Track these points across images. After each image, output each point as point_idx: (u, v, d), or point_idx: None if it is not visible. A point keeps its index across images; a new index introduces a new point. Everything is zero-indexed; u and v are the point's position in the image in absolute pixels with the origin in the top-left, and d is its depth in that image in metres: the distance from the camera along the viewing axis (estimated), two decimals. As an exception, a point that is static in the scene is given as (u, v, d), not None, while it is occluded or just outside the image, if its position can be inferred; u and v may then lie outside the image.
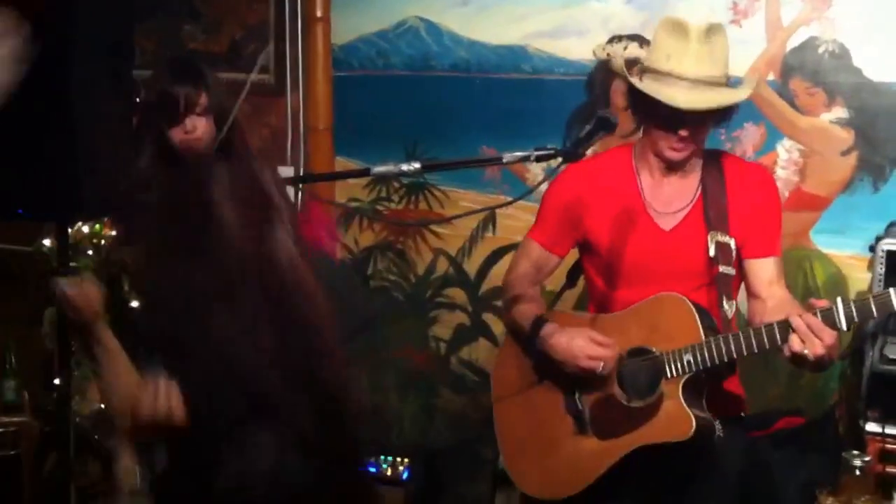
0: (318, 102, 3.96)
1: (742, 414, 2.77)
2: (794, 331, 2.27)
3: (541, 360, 2.67)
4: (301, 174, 3.98)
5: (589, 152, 2.37)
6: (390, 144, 3.81)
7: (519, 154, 2.17)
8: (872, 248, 2.98)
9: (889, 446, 2.88)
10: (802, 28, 3.33)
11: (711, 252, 2.56)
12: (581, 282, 2.94)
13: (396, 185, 3.94)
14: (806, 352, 2.26)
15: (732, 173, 2.64)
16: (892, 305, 2.24)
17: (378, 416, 4.08)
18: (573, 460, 2.64)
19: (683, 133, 2.50)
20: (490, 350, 3.88)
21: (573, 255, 2.88)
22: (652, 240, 2.62)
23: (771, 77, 3.38)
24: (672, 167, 2.61)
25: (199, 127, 2.67)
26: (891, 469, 2.93)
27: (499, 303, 3.84)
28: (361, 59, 3.91)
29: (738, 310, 2.60)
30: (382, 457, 3.66)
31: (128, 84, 2.31)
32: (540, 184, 2.46)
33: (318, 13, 3.91)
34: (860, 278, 3.30)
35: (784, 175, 3.40)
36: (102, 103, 2.07)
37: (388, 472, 3.63)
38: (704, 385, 2.53)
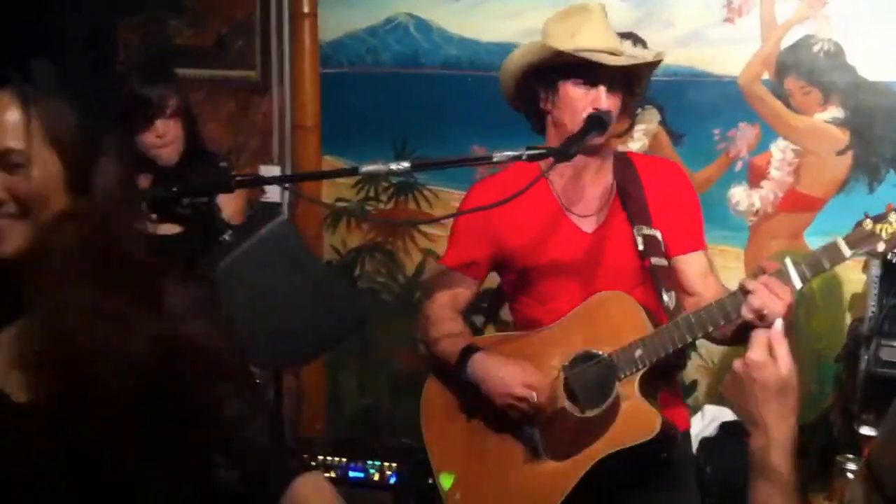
0: (306, 100, 3.92)
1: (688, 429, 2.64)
2: (750, 292, 2.17)
3: (473, 392, 2.49)
4: (287, 173, 3.94)
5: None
6: (379, 143, 3.77)
7: (510, 153, 2.12)
8: (868, 250, 2.95)
9: (884, 451, 2.84)
10: (797, 26, 3.31)
11: (640, 246, 2.44)
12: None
13: (385, 184, 3.91)
14: (765, 311, 2.15)
15: (644, 170, 2.53)
16: (842, 254, 2.16)
17: (367, 419, 4.05)
18: (530, 490, 2.47)
19: (605, 104, 2.35)
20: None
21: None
22: (576, 244, 2.48)
23: (766, 76, 3.35)
24: (584, 165, 2.46)
25: (169, 131, 2.60)
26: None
27: (485, 305, 3.82)
28: (350, 56, 3.87)
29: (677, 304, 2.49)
30: (370, 461, 3.62)
31: (111, 76, 2.26)
32: (531, 184, 2.41)
33: (306, 8, 3.87)
34: (855, 280, 3.28)
35: (778, 176, 3.38)
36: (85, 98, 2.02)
37: (376, 477, 3.59)
38: (660, 383, 2.41)
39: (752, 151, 3.41)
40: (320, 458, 3.64)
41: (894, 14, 3.21)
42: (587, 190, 2.51)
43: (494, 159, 2.13)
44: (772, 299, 2.16)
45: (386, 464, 3.60)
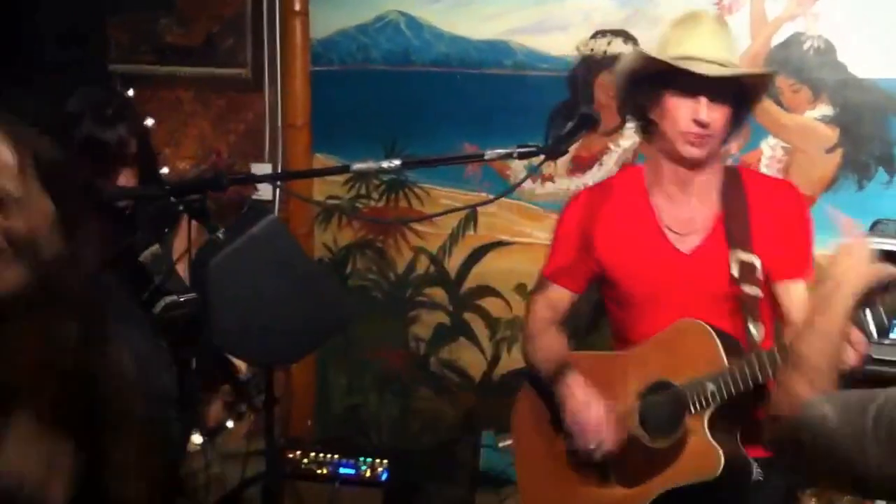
0: (296, 98, 3.91)
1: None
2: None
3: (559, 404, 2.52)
4: (279, 171, 3.94)
5: (571, 150, 2.33)
6: (370, 141, 3.76)
7: (501, 151, 2.12)
8: (857, 247, 2.95)
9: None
10: (787, 24, 3.31)
11: (734, 272, 2.36)
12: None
13: (376, 182, 3.90)
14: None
15: (754, 188, 2.43)
16: None
17: (355, 417, 4.05)
18: None
19: (703, 116, 2.29)
20: (470, 349, 3.85)
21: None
22: (671, 264, 2.42)
23: (755, 74, 3.35)
24: (687, 179, 2.41)
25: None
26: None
27: (479, 302, 3.83)
28: (340, 54, 3.87)
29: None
30: (361, 458, 3.62)
31: (100, 75, 2.23)
32: (522, 181, 2.41)
33: (297, 6, 3.86)
34: (844, 277, 3.27)
35: (768, 173, 3.38)
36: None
37: (367, 474, 3.59)
38: (738, 419, 2.32)
39: (741, 149, 3.40)
40: (312, 454, 3.64)
41: (884, 11, 3.21)
42: (689, 207, 2.44)
43: (486, 157, 2.12)
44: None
45: (377, 461, 3.60)
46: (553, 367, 2.53)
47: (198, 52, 3.99)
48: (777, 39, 3.32)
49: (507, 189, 2.84)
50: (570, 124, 2.22)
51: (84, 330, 1.51)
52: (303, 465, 3.62)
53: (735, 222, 2.39)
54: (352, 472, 3.60)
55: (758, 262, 2.37)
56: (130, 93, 3.74)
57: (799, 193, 2.51)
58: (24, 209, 1.47)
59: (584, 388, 2.47)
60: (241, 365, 3.66)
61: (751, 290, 2.37)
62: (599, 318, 2.83)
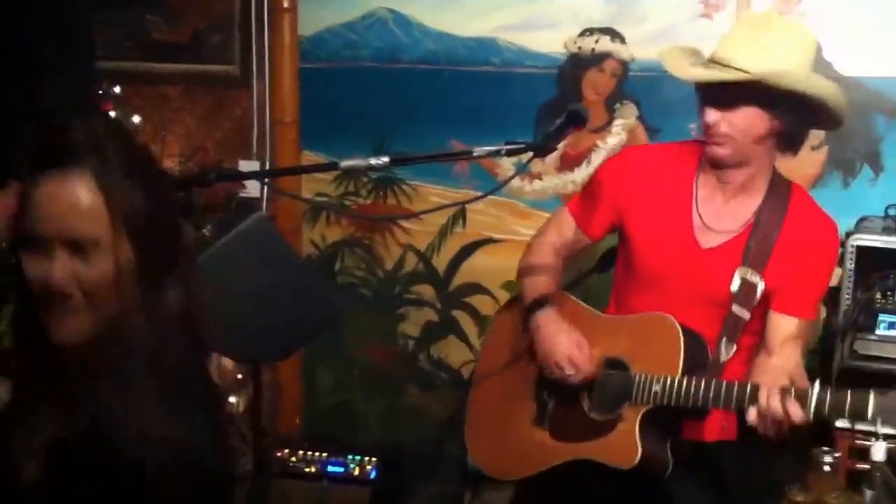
0: (285, 95, 3.90)
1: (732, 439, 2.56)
2: (759, 411, 2.17)
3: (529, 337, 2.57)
4: (266, 168, 3.93)
5: (559, 147, 2.33)
6: (358, 138, 3.76)
7: (489, 148, 2.12)
8: (842, 244, 2.97)
9: (859, 442, 2.87)
10: (774, 22, 3.32)
11: (734, 288, 2.38)
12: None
13: (364, 179, 3.90)
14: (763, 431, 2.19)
15: (796, 212, 2.40)
16: (867, 409, 2.11)
17: (343, 414, 4.05)
18: (522, 447, 2.57)
19: (709, 117, 2.31)
20: (459, 347, 3.85)
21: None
22: (686, 254, 2.43)
23: (742, 71, 3.36)
24: (722, 178, 2.41)
25: None
26: (860, 465, 2.93)
27: (468, 299, 3.83)
28: (329, 51, 3.86)
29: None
30: (350, 456, 3.62)
31: (88, 72, 2.21)
32: (510, 178, 2.41)
33: (285, 3, 3.85)
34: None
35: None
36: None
37: (356, 472, 3.59)
38: (673, 422, 2.40)
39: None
40: (300, 452, 3.64)
41: (870, 10, 3.23)
42: (727, 207, 2.44)
43: (474, 154, 2.13)
44: (766, 423, 2.17)
45: (366, 458, 3.60)
46: (535, 297, 2.55)
47: (185, 48, 3.97)
48: (764, 37, 3.33)
49: (496, 186, 2.83)
50: (558, 121, 2.22)
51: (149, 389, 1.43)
52: (291, 464, 3.62)
53: (760, 239, 2.38)
54: (340, 470, 3.60)
55: (760, 287, 2.38)
56: (117, 89, 3.73)
57: (836, 236, 2.45)
58: (102, 255, 1.41)
59: (558, 319, 2.50)
60: (227, 364, 3.66)
61: (740, 310, 2.39)
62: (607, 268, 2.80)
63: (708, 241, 2.43)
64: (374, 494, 3.55)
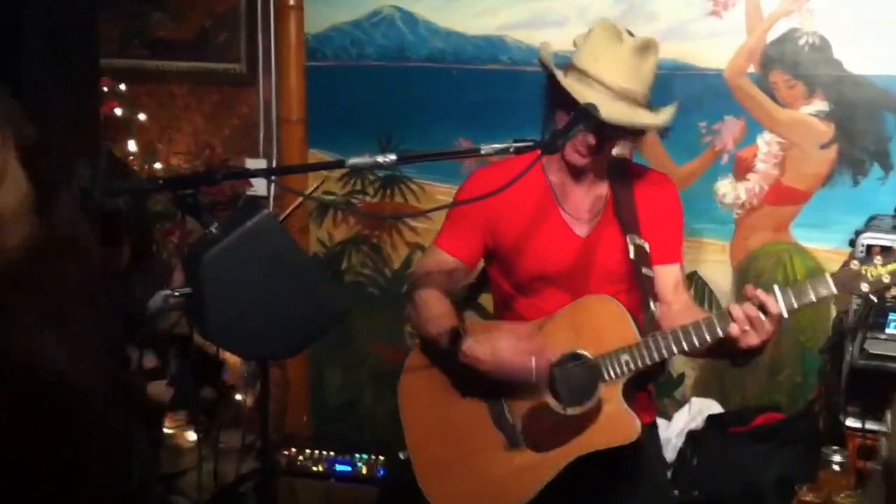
0: (291, 93, 3.90)
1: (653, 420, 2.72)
2: (733, 320, 2.27)
3: (460, 371, 2.49)
4: (273, 166, 3.93)
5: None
6: (364, 136, 3.76)
7: (497, 146, 2.11)
8: (852, 243, 2.96)
9: (869, 442, 2.86)
10: (783, 20, 3.31)
11: (632, 255, 2.51)
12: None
13: (371, 177, 3.90)
14: (745, 342, 2.27)
15: (638, 179, 2.61)
16: (830, 289, 2.25)
17: (350, 412, 4.05)
18: (506, 476, 2.49)
19: (592, 140, 2.41)
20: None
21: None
22: (569, 246, 2.55)
23: (751, 69, 3.36)
24: (576, 172, 2.54)
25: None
26: (870, 465, 2.92)
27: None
28: (335, 49, 3.86)
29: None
30: (357, 455, 3.61)
31: (92, 70, 2.20)
32: (518, 177, 2.40)
33: (292, 1, 3.85)
34: (840, 273, 3.28)
35: (764, 168, 3.39)
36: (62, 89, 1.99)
37: (364, 471, 3.59)
38: (638, 388, 2.48)
39: (737, 144, 3.41)
40: (307, 451, 3.63)
41: (879, 8, 3.22)
42: (583, 193, 2.57)
43: (482, 152, 2.12)
44: (752, 332, 2.27)
45: (373, 457, 3.60)
46: (447, 332, 2.48)
47: (191, 46, 3.97)
48: (772, 35, 3.33)
49: (504, 185, 2.83)
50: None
51: (41, 318, 1.44)
52: (298, 462, 3.61)
53: (625, 210, 2.55)
54: (347, 468, 3.60)
55: (647, 246, 2.54)
56: (123, 87, 3.73)
57: (674, 186, 2.67)
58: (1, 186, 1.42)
59: (482, 339, 2.43)
60: (234, 360, 3.66)
61: (647, 271, 2.53)
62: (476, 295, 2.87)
63: (582, 228, 2.56)
64: (381, 493, 3.54)
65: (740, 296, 2.35)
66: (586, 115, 2.24)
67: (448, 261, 2.62)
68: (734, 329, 2.27)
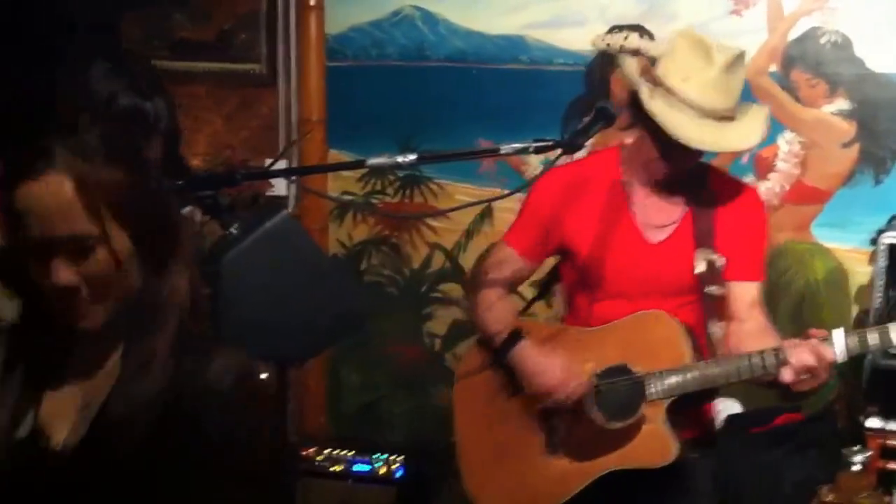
0: (311, 93, 3.90)
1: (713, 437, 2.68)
2: (788, 364, 2.22)
3: (512, 372, 2.55)
4: (293, 167, 3.93)
5: (588, 144, 2.33)
6: (384, 137, 3.76)
7: (517, 145, 2.11)
8: (874, 242, 2.96)
9: (889, 442, 2.86)
10: (804, 18, 3.30)
11: (699, 269, 2.45)
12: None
13: (391, 177, 3.90)
14: (797, 386, 2.25)
15: (721, 190, 2.52)
16: (892, 342, 2.21)
17: (370, 413, 4.05)
18: (541, 480, 2.53)
19: (678, 160, 2.38)
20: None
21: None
22: (639, 252, 2.48)
23: (772, 68, 3.35)
24: (659, 179, 2.49)
25: (158, 149, 2.47)
26: (891, 465, 2.91)
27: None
28: (355, 50, 3.86)
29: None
30: (376, 455, 3.62)
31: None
32: (538, 176, 2.41)
33: (312, 1, 3.85)
34: (861, 272, 3.27)
35: (785, 168, 3.37)
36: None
37: (382, 471, 3.59)
38: (686, 409, 2.44)
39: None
40: (326, 451, 3.64)
41: (902, 6, 3.21)
42: (659, 199, 2.50)
43: (501, 152, 2.12)
44: (807, 380, 2.23)
45: (392, 457, 3.60)
46: (502, 333, 2.53)
47: (211, 47, 3.98)
48: (794, 34, 3.32)
49: (523, 184, 2.83)
50: (586, 119, 2.23)
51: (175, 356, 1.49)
52: (317, 463, 3.62)
53: (702, 221, 2.47)
54: (366, 469, 3.60)
55: (720, 262, 2.45)
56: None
57: (761, 200, 2.59)
58: (99, 247, 1.42)
59: (534, 352, 2.49)
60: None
61: (713, 289, 2.46)
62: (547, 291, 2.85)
63: (656, 236, 2.49)
64: (399, 493, 3.55)
65: (802, 335, 2.28)
66: (607, 114, 2.23)
67: (513, 258, 2.62)
68: (787, 375, 2.23)
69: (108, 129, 1.51)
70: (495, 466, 2.61)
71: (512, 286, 2.66)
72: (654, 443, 2.37)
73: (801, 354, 2.21)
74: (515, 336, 2.51)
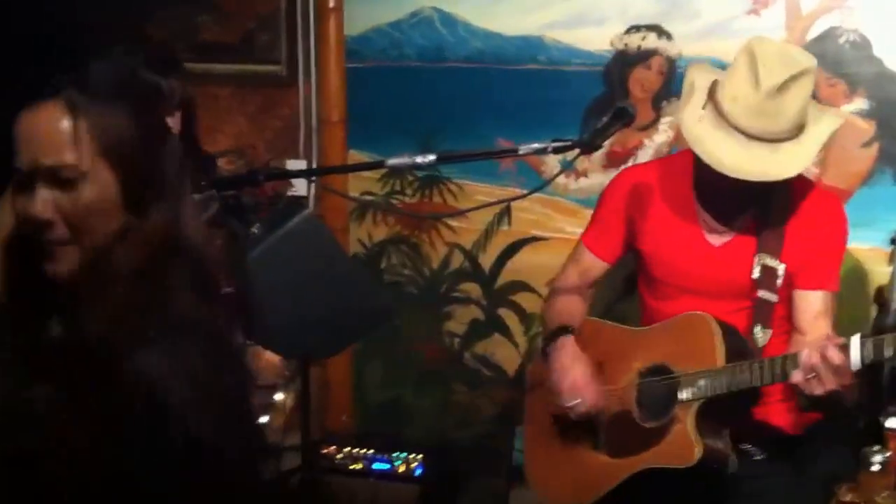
0: (331, 94, 3.93)
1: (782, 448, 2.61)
2: (805, 368, 2.21)
3: None
4: (313, 167, 3.96)
5: (606, 144, 2.34)
6: (404, 137, 3.78)
7: (536, 145, 2.13)
8: (894, 241, 2.94)
9: (910, 442, 2.84)
10: (822, 18, 3.29)
11: (755, 275, 2.45)
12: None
13: (410, 178, 3.92)
14: (812, 391, 2.22)
15: (799, 195, 2.48)
16: None
17: (391, 411, 4.07)
18: (584, 474, 2.61)
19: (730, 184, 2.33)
20: (505, 345, 3.85)
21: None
22: (699, 254, 2.52)
23: (791, 68, 3.33)
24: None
25: (174, 126, 2.49)
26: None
27: (513, 297, 3.83)
28: (375, 51, 3.88)
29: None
30: (396, 453, 3.64)
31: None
32: (556, 176, 2.42)
33: (332, 3, 3.87)
34: (881, 272, 3.25)
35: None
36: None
37: (402, 469, 3.61)
38: (729, 414, 2.43)
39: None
40: (346, 449, 3.66)
41: (921, 5, 3.20)
42: (729, 201, 2.49)
43: (520, 152, 2.14)
44: (815, 382, 2.20)
45: (412, 456, 3.62)
46: (553, 330, 2.61)
47: (234, 48, 4.01)
48: (812, 34, 3.31)
49: (542, 184, 2.85)
50: (604, 119, 2.24)
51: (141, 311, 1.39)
52: (337, 460, 3.64)
53: (771, 226, 2.45)
54: (387, 467, 3.62)
55: (781, 269, 2.44)
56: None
57: (841, 208, 2.57)
58: (84, 184, 1.40)
59: (572, 349, 2.55)
60: (275, 359, 3.69)
61: (766, 295, 2.45)
62: (630, 291, 2.90)
63: (718, 238, 2.51)
64: (420, 491, 3.56)
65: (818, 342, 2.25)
66: (625, 114, 2.24)
67: (589, 260, 2.69)
68: (797, 376, 2.22)
69: (121, 72, 1.51)
70: (551, 453, 2.71)
71: (585, 283, 2.74)
72: (678, 444, 2.40)
73: (808, 355, 2.20)
74: (561, 330, 2.59)
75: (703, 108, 2.36)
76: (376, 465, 3.62)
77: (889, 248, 3.05)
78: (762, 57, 2.29)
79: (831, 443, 3.07)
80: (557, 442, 2.69)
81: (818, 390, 2.20)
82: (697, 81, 2.44)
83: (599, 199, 2.71)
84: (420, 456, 3.62)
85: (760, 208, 2.47)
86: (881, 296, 3.02)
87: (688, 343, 2.44)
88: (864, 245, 3.31)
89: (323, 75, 3.93)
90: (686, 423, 2.39)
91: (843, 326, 3.35)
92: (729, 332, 2.42)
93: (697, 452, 2.36)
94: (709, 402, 2.37)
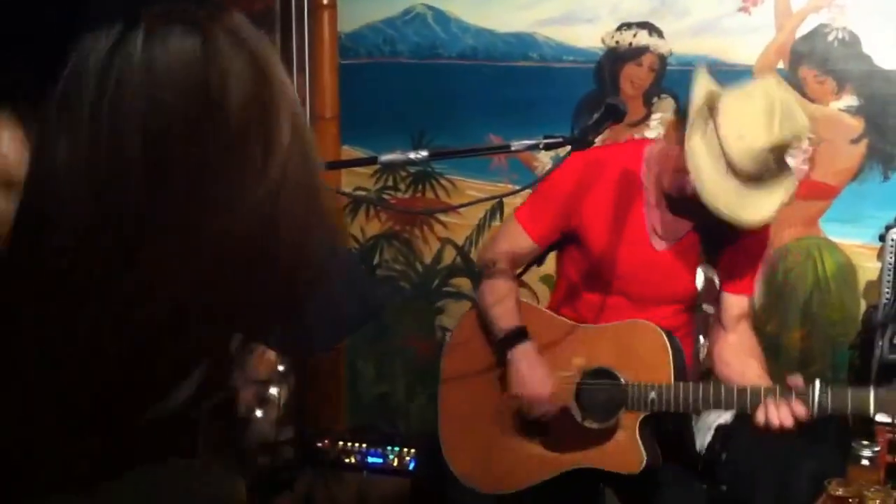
0: (325, 90, 3.94)
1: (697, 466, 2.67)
2: (763, 407, 2.28)
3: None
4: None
5: (598, 140, 2.35)
6: (397, 133, 3.79)
7: (527, 142, 2.14)
8: (882, 237, 2.96)
9: (898, 436, 2.86)
10: (812, 15, 3.32)
11: (699, 285, 2.52)
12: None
13: (403, 173, 3.93)
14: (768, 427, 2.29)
15: None
16: (868, 405, 2.24)
17: (383, 406, 4.08)
18: (512, 460, 2.60)
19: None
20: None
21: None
22: (643, 256, 2.54)
23: (780, 65, 3.36)
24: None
25: None
26: (901, 460, 2.92)
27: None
28: (368, 47, 3.90)
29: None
30: (389, 447, 3.65)
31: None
32: (548, 172, 2.44)
33: (325, 0, 3.88)
34: (870, 267, 3.28)
35: (794, 163, 3.37)
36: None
37: (395, 463, 3.62)
38: (662, 426, 2.49)
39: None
40: (340, 443, 3.67)
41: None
42: (670, 211, 2.52)
43: (512, 148, 2.15)
44: (778, 423, 2.28)
45: (405, 450, 3.63)
46: (507, 328, 2.56)
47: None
48: (801, 31, 3.33)
49: (534, 180, 2.86)
50: (596, 115, 2.25)
51: None
52: (331, 455, 3.65)
53: (711, 238, 2.49)
54: (380, 461, 3.63)
55: (717, 279, 2.53)
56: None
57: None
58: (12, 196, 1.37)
59: (534, 357, 2.52)
60: (270, 355, 3.70)
61: (708, 307, 2.54)
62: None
63: (661, 244, 2.53)
64: (413, 485, 3.57)
65: (781, 383, 2.32)
66: (616, 110, 2.25)
67: (523, 240, 2.64)
68: (759, 417, 2.29)
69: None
70: (472, 435, 2.68)
71: (516, 264, 2.70)
72: (625, 450, 2.44)
73: (776, 403, 2.27)
74: (520, 335, 2.55)
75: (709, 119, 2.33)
76: (370, 459, 3.63)
77: (878, 244, 3.08)
78: (781, 108, 2.27)
79: (820, 438, 3.10)
80: (483, 423, 2.66)
81: (774, 433, 2.29)
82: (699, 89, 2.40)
83: (542, 183, 2.62)
84: (413, 450, 3.63)
85: (702, 219, 2.45)
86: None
87: (636, 352, 2.46)
88: (853, 241, 3.34)
89: (316, 71, 3.94)
90: (632, 432, 2.42)
91: (832, 320, 3.40)
92: (673, 342, 2.46)
93: (642, 463, 2.41)
94: (653, 415, 2.42)
